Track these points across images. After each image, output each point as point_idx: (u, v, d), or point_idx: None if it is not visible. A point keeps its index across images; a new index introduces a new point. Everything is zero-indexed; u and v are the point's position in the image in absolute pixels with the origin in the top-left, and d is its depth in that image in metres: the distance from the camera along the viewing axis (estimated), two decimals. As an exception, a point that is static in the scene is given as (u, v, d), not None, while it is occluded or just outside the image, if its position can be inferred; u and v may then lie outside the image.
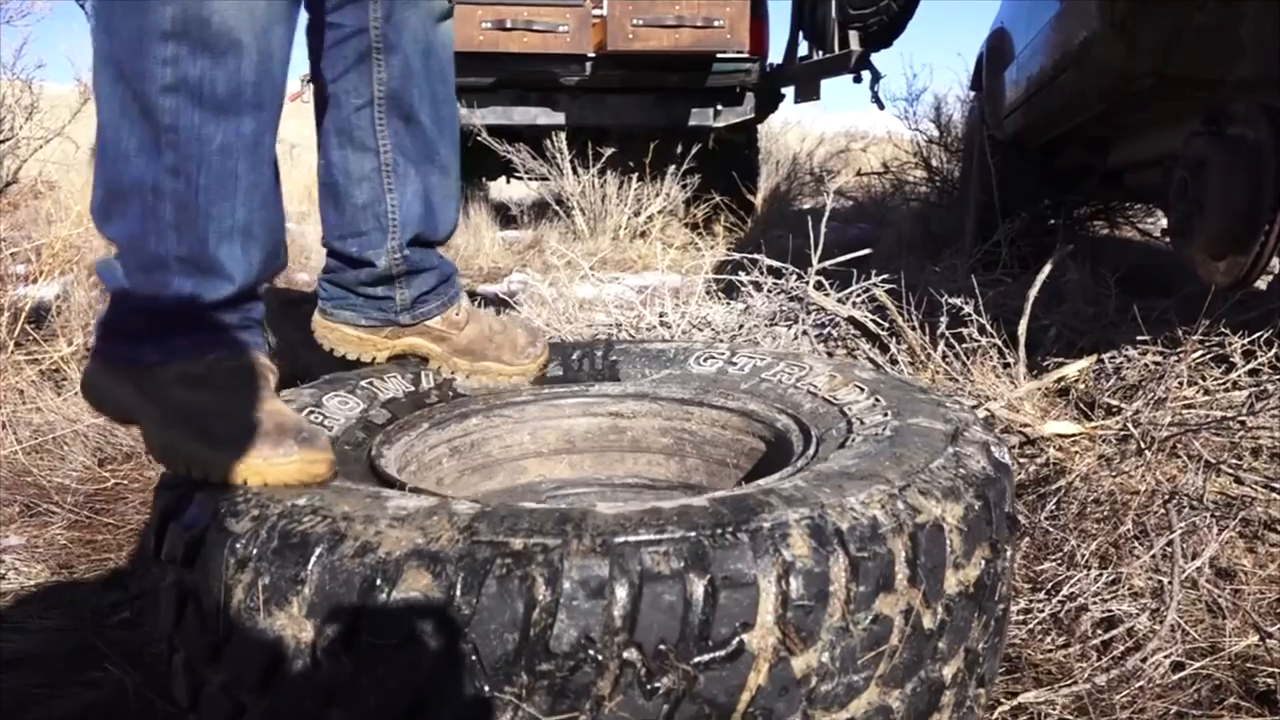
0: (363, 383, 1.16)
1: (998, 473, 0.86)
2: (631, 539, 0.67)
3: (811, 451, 0.96)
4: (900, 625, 0.71)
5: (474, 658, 0.64)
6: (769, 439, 1.12)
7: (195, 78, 0.89)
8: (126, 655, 1.20)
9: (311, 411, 1.04)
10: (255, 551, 0.70)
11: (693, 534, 0.68)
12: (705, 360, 1.29)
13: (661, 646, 0.64)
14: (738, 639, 0.66)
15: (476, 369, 1.25)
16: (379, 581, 0.65)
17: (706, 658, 0.65)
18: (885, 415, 0.99)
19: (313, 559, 0.68)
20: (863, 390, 1.09)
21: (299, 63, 5.48)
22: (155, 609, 1.32)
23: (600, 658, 0.64)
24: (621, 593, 0.64)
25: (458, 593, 0.64)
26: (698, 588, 0.65)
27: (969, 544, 0.78)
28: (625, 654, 0.64)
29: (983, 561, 0.79)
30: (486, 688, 0.64)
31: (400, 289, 1.25)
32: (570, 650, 0.63)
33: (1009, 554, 0.86)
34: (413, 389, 1.19)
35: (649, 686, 0.64)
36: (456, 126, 1.29)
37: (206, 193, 0.93)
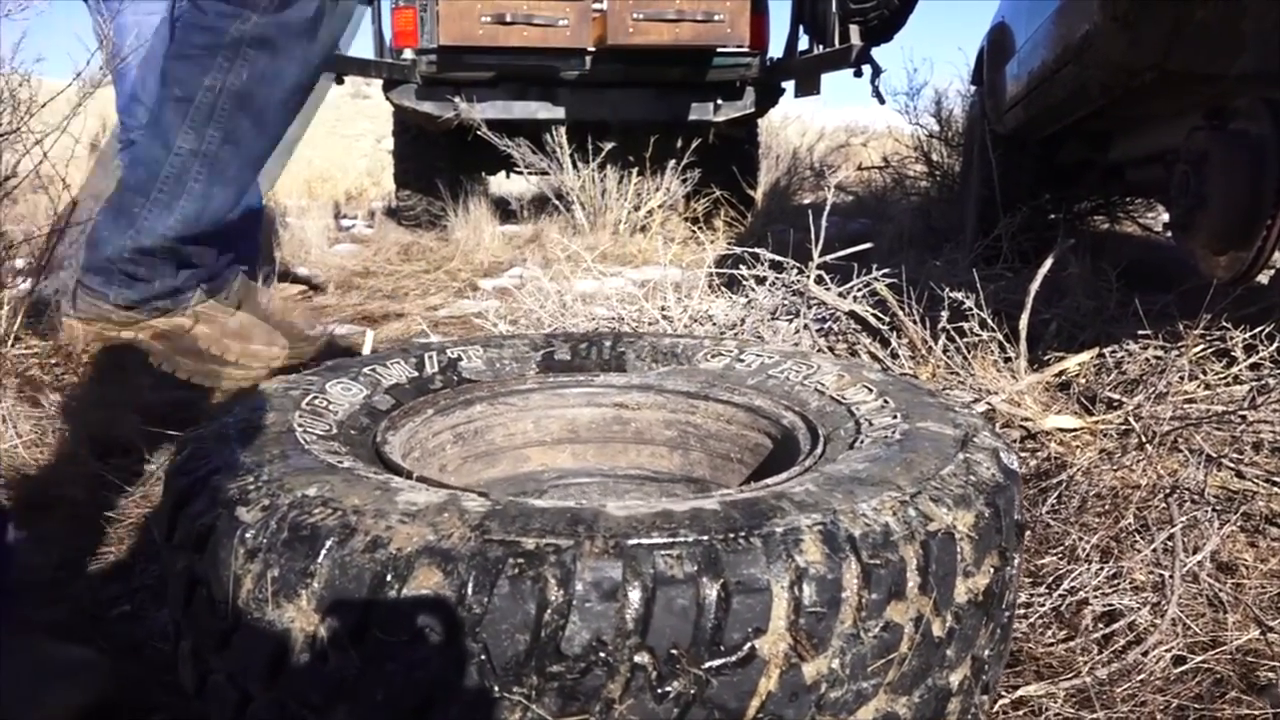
0: (365, 369, 1.15)
1: (1007, 480, 0.86)
2: (645, 542, 0.66)
3: (819, 451, 0.96)
4: (910, 633, 0.71)
5: (484, 657, 0.63)
6: (775, 435, 1.11)
7: None
8: (127, 649, 1.20)
9: (315, 397, 1.04)
10: (265, 542, 0.70)
11: (705, 538, 0.67)
12: (713, 356, 1.28)
13: (673, 650, 0.64)
14: (749, 644, 0.65)
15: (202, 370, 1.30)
16: (389, 578, 0.65)
17: (718, 662, 0.65)
18: (894, 418, 0.99)
19: (322, 553, 0.68)
20: (871, 391, 1.09)
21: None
22: (156, 602, 1.32)
23: (611, 660, 0.63)
24: (634, 596, 0.64)
25: (469, 592, 0.64)
26: (711, 592, 0.65)
27: (979, 552, 0.77)
28: (637, 657, 0.64)
29: (992, 570, 0.79)
30: (495, 687, 0.63)
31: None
32: (581, 652, 0.63)
33: (1017, 562, 0.86)
34: (416, 374, 1.19)
35: (660, 690, 0.64)
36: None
37: None
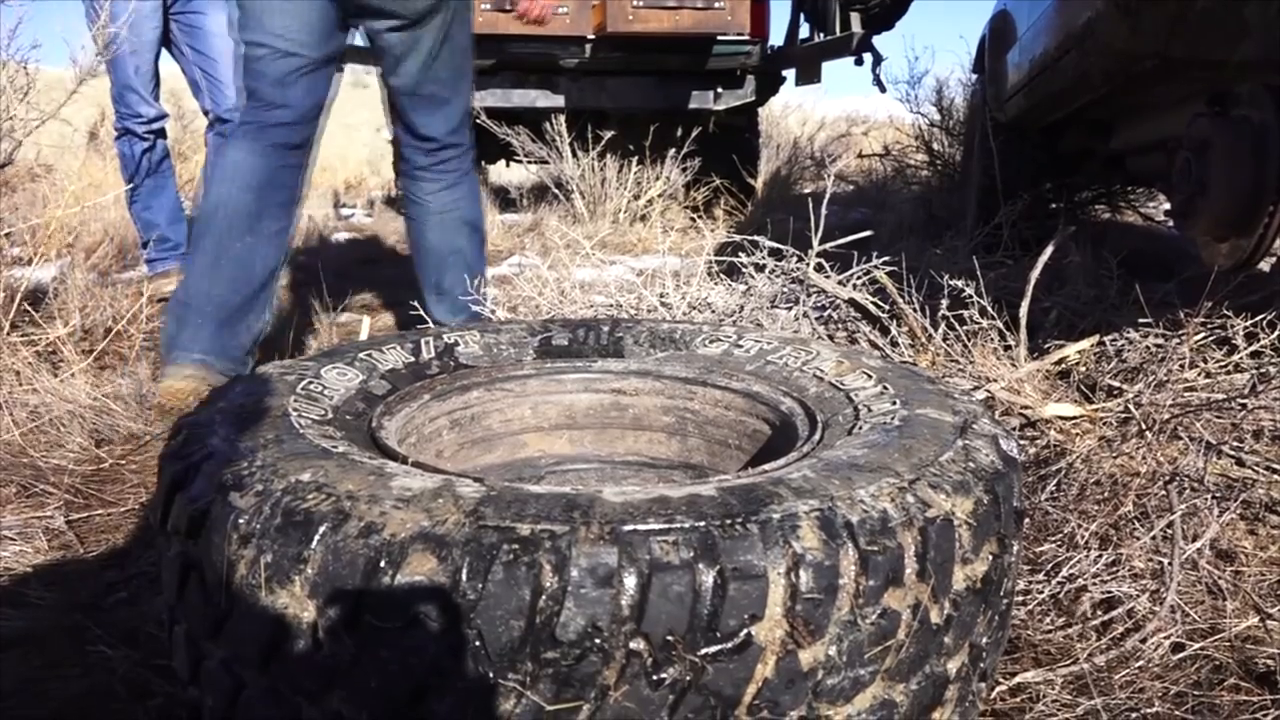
0: (361, 354, 1.15)
1: (1007, 467, 0.85)
2: (640, 527, 0.66)
3: (817, 437, 0.96)
4: (908, 620, 0.71)
5: (478, 643, 0.63)
6: (773, 421, 1.11)
7: None
8: (123, 636, 1.20)
9: (310, 382, 1.04)
10: (259, 528, 0.69)
11: (702, 524, 0.67)
12: (711, 342, 1.28)
13: (669, 637, 0.64)
14: (746, 631, 0.65)
15: None
16: (383, 564, 0.65)
17: (714, 649, 0.64)
18: (893, 404, 0.98)
19: (316, 538, 0.67)
20: (870, 377, 1.08)
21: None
22: (152, 589, 1.32)
23: (606, 647, 0.63)
24: (630, 582, 0.63)
25: (463, 578, 0.63)
26: (707, 578, 0.64)
27: (978, 539, 0.77)
28: (632, 644, 0.63)
29: (990, 557, 0.79)
30: (490, 674, 0.63)
31: None
32: (576, 639, 0.63)
33: (1015, 549, 0.85)
34: (413, 360, 1.19)
35: (655, 677, 0.64)
36: None
37: None
